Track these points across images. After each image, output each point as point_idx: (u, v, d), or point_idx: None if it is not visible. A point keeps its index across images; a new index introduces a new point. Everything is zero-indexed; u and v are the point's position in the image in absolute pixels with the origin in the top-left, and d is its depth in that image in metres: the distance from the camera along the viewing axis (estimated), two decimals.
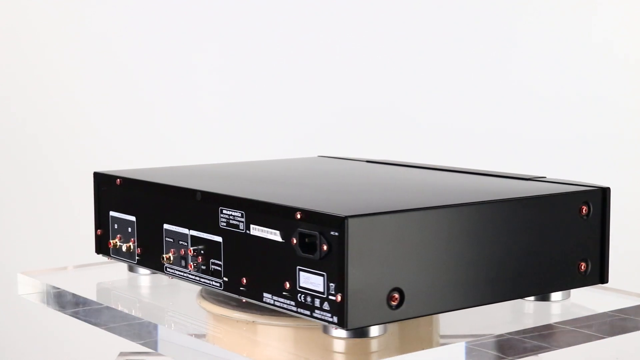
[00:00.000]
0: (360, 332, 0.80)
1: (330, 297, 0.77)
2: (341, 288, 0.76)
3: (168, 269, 0.95)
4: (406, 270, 0.78)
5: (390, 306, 0.78)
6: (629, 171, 1.74)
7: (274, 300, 0.82)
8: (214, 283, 0.89)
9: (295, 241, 0.79)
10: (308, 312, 0.79)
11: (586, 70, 1.74)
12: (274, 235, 0.81)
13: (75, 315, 0.99)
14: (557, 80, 1.75)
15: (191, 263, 0.91)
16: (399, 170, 1.06)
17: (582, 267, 0.90)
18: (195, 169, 1.07)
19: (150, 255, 0.97)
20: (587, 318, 0.90)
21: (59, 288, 1.02)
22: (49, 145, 2.00)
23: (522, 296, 0.88)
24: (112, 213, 1.03)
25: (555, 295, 0.93)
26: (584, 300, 0.95)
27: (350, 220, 0.75)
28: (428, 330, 0.89)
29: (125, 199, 1.01)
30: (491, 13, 1.79)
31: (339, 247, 0.75)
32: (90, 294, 1.01)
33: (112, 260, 1.03)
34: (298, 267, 0.79)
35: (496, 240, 0.83)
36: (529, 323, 0.89)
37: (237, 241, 0.86)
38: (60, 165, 1.99)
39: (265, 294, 0.83)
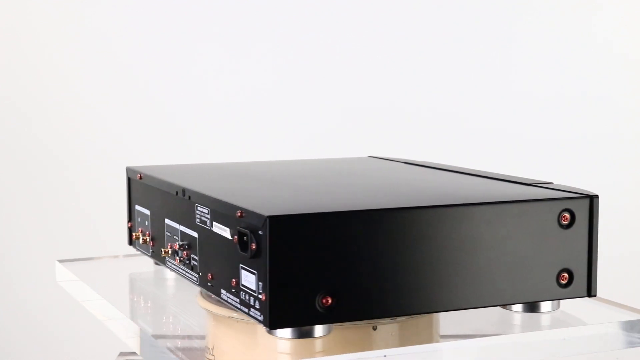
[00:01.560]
0: (303, 333, 0.80)
1: (260, 295, 0.77)
2: (265, 287, 0.76)
3: (168, 263, 0.97)
4: (341, 272, 0.77)
5: (321, 308, 0.77)
6: (629, 171, 1.74)
7: (227, 297, 0.83)
8: (192, 278, 0.91)
9: (236, 239, 0.80)
10: (247, 310, 0.80)
11: (587, 70, 1.75)
12: (226, 233, 0.82)
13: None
14: (557, 80, 1.75)
15: (178, 257, 0.94)
16: (418, 172, 1.04)
17: (564, 279, 0.85)
18: (212, 167, 1.09)
19: (157, 249, 1.01)
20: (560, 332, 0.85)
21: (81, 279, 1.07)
22: (54, 142, 2.02)
23: (486, 305, 0.84)
24: (136, 207, 1.07)
25: (545, 306, 0.89)
26: (573, 312, 0.90)
27: (271, 219, 0.75)
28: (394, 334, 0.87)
29: (144, 194, 1.04)
30: (491, 13, 1.79)
31: (264, 246, 0.75)
32: (99, 287, 1.05)
33: (139, 252, 1.07)
34: (240, 265, 0.80)
35: (453, 245, 0.81)
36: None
37: (207, 237, 0.87)
38: (68, 161, 2.01)
39: (222, 290, 0.84)
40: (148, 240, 1.03)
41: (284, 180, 0.96)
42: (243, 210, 0.79)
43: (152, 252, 1.02)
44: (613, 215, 1.74)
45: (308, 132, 1.88)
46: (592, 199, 0.86)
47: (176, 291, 1.04)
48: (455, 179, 0.97)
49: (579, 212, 0.85)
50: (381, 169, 1.07)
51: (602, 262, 1.90)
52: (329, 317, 0.77)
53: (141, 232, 1.05)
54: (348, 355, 0.80)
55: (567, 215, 0.85)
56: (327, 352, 0.81)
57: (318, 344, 0.82)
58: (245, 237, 0.78)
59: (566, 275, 0.85)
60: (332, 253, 0.77)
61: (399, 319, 0.87)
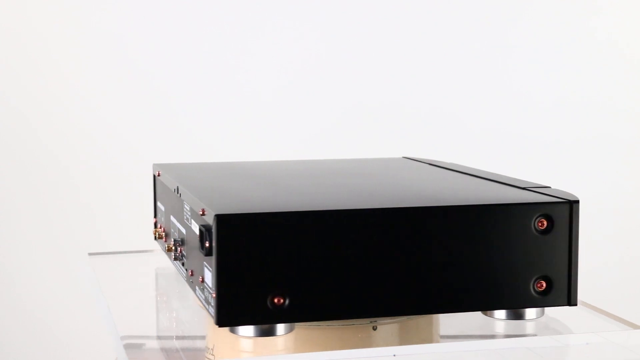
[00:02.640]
0: (263, 331, 0.80)
1: (212, 293, 0.78)
2: (214, 285, 0.76)
3: (171, 259, 0.99)
4: (293, 272, 0.77)
5: (274, 307, 0.77)
6: (629, 171, 1.73)
7: (198, 294, 0.85)
8: (183, 274, 0.93)
9: (199, 237, 0.81)
10: (207, 307, 0.81)
11: (589, 70, 1.76)
12: (197, 230, 0.84)
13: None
14: (557, 80, 1.77)
15: (174, 254, 0.95)
16: (421, 172, 1.02)
17: (541, 286, 0.82)
18: (224, 166, 1.11)
19: (166, 245, 1.03)
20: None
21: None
22: (54, 141, 1.98)
23: (455, 310, 0.82)
24: (157, 203, 1.09)
25: (530, 314, 0.86)
26: (559, 320, 0.87)
27: (219, 217, 0.76)
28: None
29: (162, 191, 1.07)
30: (491, 13, 1.80)
31: (213, 244, 0.76)
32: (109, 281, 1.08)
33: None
34: (203, 262, 0.81)
35: (413, 248, 0.79)
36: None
37: (189, 235, 0.89)
38: (67, 159, 1.98)
39: (196, 287, 0.86)
40: (163, 236, 1.05)
41: (277, 181, 0.97)
42: (204, 208, 0.80)
43: (166, 247, 1.04)
44: (613, 216, 1.80)
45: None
46: (572, 205, 0.82)
47: (179, 289, 1.06)
48: (445, 179, 0.95)
49: (557, 218, 0.82)
50: (393, 169, 1.06)
51: (601, 264, 1.83)
52: (280, 316, 0.77)
53: (160, 228, 1.07)
54: (356, 350, 0.80)
55: (544, 220, 0.82)
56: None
57: (280, 343, 0.82)
58: (202, 235, 0.79)
59: (543, 282, 0.82)
60: (284, 253, 0.77)
61: (399, 318, 0.86)
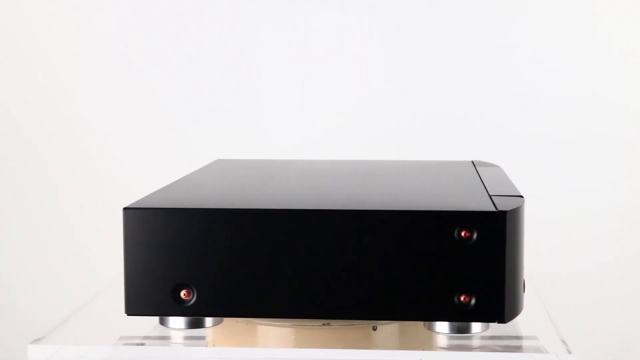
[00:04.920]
0: (195, 322, 0.83)
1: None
2: (124, 276, 0.81)
3: None
4: (199, 268, 0.79)
5: (178, 300, 0.80)
6: (629, 171, 1.74)
7: None
8: None
9: None
10: None
11: (587, 69, 1.76)
12: None
13: None
14: (557, 80, 1.78)
15: None
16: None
17: (464, 299, 0.78)
18: (280, 163, 1.13)
19: None
20: None
21: None
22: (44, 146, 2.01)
23: (365, 318, 0.80)
24: None
25: (475, 327, 0.82)
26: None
27: (126, 211, 0.80)
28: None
29: None
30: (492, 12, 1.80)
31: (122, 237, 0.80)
32: None
33: None
34: None
35: (324, 251, 0.78)
36: None
37: None
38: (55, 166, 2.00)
39: None
40: None
41: (266, 181, 0.98)
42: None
43: None
44: (613, 216, 1.78)
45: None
46: (497, 216, 0.77)
47: None
48: (383, 182, 0.93)
49: (481, 229, 0.77)
50: (402, 169, 1.03)
51: (601, 264, 1.80)
52: (186, 310, 0.80)
53: None
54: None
55: (468, 231, 0.77)
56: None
57: (209, 334, 0.84)
58: None
59: (467, 296, 0.78)
60: (189, 249, 0.79)
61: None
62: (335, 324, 0.85)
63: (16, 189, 2.01)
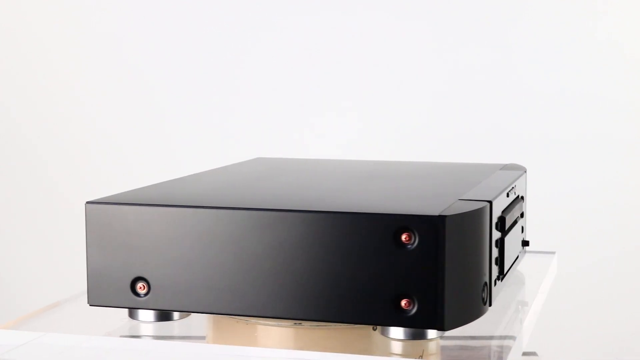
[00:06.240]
0: (162, 315, 0.86)
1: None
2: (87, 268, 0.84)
3: None
4: (154, 262, 0.81)
5: (136, 293, 0.83)
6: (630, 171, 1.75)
7: None
8: None
9: None
10: None
11: (587, 69, 1.77)
12: None
13: None
14: (557, 80, 1.79)
15: None
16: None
17: (407, 304, 0.77)
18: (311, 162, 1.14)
19: None
20: None
21: None
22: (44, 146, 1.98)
23: (308, 318, 0.79)
24: None
25: (431, 334, 0.80)
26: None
27: (88, 206, 0.83)
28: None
29: None
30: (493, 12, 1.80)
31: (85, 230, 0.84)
32: None
33: None
34: None
35: (268, 251, 0.79)
36: None
37: None
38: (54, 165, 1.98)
39: None
40: None
41: (253, 181, 0.99)
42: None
43: None
44: (613, 216, 1.80)
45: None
46: (437, 220, 0.76)
47: None
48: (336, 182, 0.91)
49: (421, 233, 0.76)
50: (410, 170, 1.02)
51: (601, 264, 1.79)
52: (143, 302, 0.83)
53: None
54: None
55: (408, 234, 0.76)
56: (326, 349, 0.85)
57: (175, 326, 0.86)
58: None
59: (409, 301, 0.77)
60: (147, 244, 0.82)
61: None
62: (335, 324, 0.85)
63: (17, 189, 2.08)
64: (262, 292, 0.80)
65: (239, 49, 1.94)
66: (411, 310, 0.77)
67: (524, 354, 1.15)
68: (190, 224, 0.81)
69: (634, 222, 1.81)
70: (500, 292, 0.91)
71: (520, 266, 1.09)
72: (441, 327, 0.76)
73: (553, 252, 1.16)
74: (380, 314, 0.77)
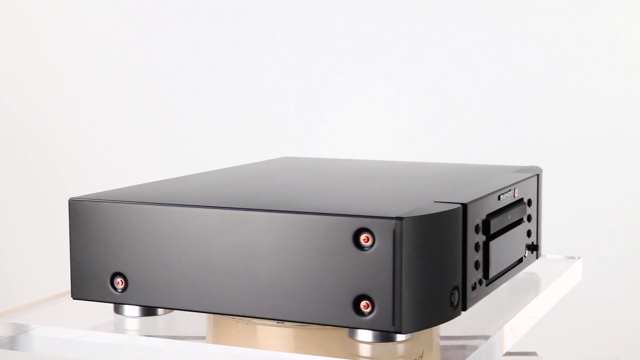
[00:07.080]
0: (146, 311, 0.88)
1: None
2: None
3: None
4: (131, 258, 0.84)
5: (115, 288, 0.85)
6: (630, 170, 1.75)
7: None
8: None
9: None
10: None
11: (587, 69, 1.75)
12: None
13: None
14: (557, 79, 1.78)
15: None
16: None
17: (366, 306, 0.77)
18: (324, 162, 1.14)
19: None
20: None
21: None
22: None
23: (269, 317, 0.79)
24: None
25: (399, 336, 0.80)
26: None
27: (72, 203, 0.86)
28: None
29: None
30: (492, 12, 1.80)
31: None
32: None
33: None
34: None
35: (233, 249, 0.80)
36: None
37: None
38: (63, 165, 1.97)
39: None
40: None
41: (240, 181, 1.00)
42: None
43: None
44: (612, 216, 1.76)
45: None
46: (396, 222, 0.75)
47: None
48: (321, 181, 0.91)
49: (380, 235, 0.75)
50: (418, 170, 1.01)
51: (601, 264, 1.77)
52: (121, 298, 0.85)
53: None
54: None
55: (366, 236, 0.76)
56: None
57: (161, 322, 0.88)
58: None
59: (368, 302, 0.77)
60: (125, 240, 0.84)
61: None
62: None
63: (19, 188, 2.09)
64: (228, 290, 0.81)
65: (252, 48, 1.96)
66: (370, 312, 0.77)
67: (525, 353, 1.13)
68: (163, 221, 0.82)
69: (634, 222, 1.77)
70: (491, 296, 0.90)
71: (540, 270, 1.08)
72: (399, 330, 0.76)
73: (575, 257, 1.14)
74: (340, 315, 0.77)
